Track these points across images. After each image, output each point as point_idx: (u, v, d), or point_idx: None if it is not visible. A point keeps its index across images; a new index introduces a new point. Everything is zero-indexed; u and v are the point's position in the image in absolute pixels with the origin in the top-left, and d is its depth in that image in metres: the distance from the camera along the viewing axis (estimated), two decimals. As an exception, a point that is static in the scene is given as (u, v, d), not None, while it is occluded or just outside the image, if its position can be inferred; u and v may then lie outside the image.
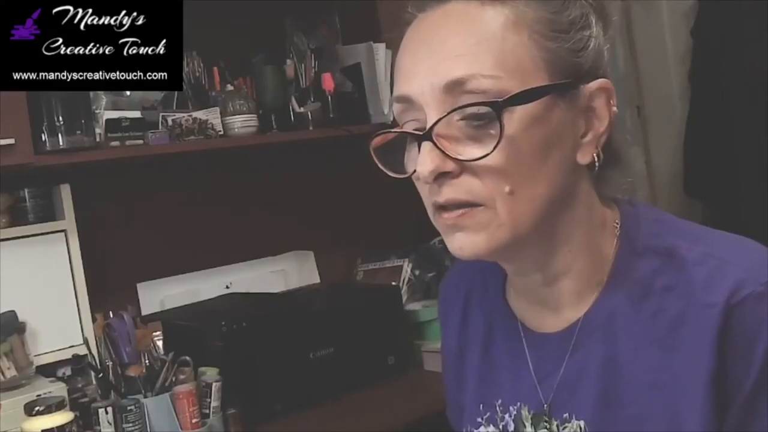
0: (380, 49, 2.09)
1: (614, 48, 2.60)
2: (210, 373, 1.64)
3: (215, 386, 1.62)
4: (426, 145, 0.69)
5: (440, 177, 0.69)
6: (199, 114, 1.88)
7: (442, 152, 0.68)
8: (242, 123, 1.91)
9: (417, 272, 2.15)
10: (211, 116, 1.89)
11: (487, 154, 0.67)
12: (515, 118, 0.67)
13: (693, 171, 2.51)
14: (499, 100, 0.67)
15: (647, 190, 2.77)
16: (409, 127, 0.72)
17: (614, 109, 0.73)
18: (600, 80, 0.72)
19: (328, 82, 2.05)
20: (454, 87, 0.68)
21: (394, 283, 2.12)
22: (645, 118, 2.75)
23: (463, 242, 0.71)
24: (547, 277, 0.77)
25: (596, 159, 0.72)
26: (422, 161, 0.68)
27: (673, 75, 2.63)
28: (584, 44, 0.71)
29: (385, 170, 0.73)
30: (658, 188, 2.76)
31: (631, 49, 2.73)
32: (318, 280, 2.26)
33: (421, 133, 0.69)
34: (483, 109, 0.67)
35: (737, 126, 2.29)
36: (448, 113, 0.68)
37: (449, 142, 0.69)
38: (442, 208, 0.71)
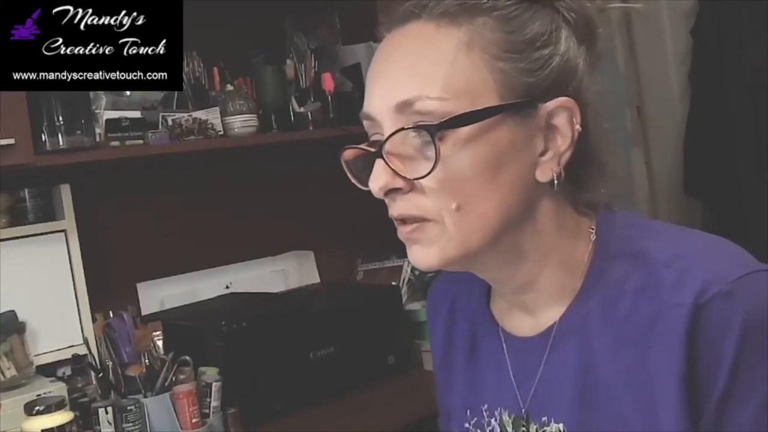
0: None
1: (614, 48, 2.61)
2: (210, 373, 1.64)
3: (215, 386, 1.62)
4: (378, 162, 0.71)
5: (391, 192, 0.72)
6: (199, 114, 1.88)
7: (392, 170, 0.71)
8: (242, 123, 1.92)
9: (417, 272, 2.15)
10: (211, 116, 1.89)
11: (426, 175, 0.69)
12: (454, 139, 0.69)
13: (693, 171, 2.51)
14: (433, 123, 0.68)
15: (647, 190, 2.77)
16: (374, 143, 0.74)
17: (577, 127, 0.72)
18: (560, 99, 0.72)
19: (328, 82, 2.05)
20: (404, 107, 0.70)
21: (394, 283, 2.12)
22: (645, 118, 2.75)
23: (417, 255, 0.74)
24: (516, 286, 0.79)
25: (556, 177, 0.72)
26: (373, 178, 0.72)
27: (673, 75, 2.63)
28: (543, 63, 0.71)
29: (354, 182, 0.76)
30: (658, 188, 2.76)
31: (631, 49, 2.73)
32: (318, 280, 2.26)
33: (374, 150, 0.72)
34: (423, 131, 0.69)
35: (737, 126, 2.29)
36: (391, 135, 0.70)
37: (402, 159, 0.71)
38: (400, 221, 0.74)
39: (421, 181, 0.70)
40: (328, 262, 2.28)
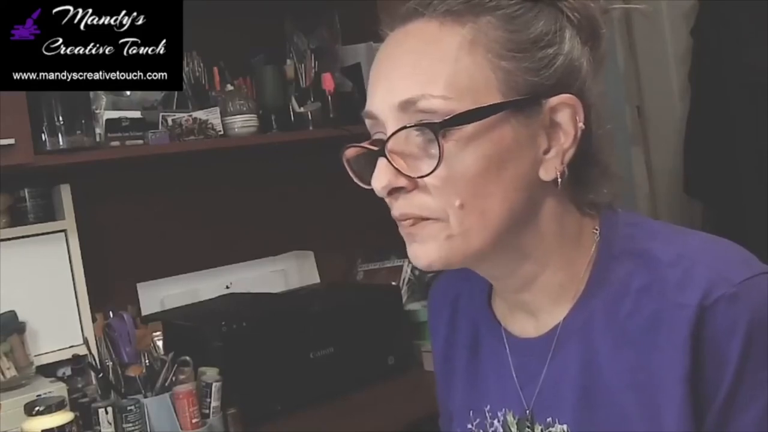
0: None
1: (614, 48, 2.61)
2: (210, 373, 1.64)
3: (215, 386, 1.62)
4: (381, 161, 0.71)
5: (394, 191, 0.71)
6: (199, 114, 1.88)
7: (395, 168, 0.70)
8: (242, 123, 1.92)
9: (417, 272, 2.15)
10: (211, 116, 1.89)
11: (430, 173, 0.69)
12: (457, 137, 0.69)
13: (693, 171, 2.51)
14: (436, 121, 0.68)
15: (647, 190, 2.77)
16: (377, 141, 0.74)
17: (581, 125, 0.72)
18: (562, 95, 0.72)
19: (328, 82, 2.05)
20: (407, 106, 0.70)
21: (394, 283, 2.12)
22: (645, 118, 2.75)
23: (417, 252, 0.73)
24: (518, 284, 0.78)
25: (559, 176, 0.72)
26: (376, 176, 0.71)
27: (673, 75, 2.63)
28: (547, 62, 0.71)
29: (356, 180, 0.76)
30: (658, 188, 2.76)
31: (631, 49, 2.73)
32: (318, 280, 2.26)
33: (376, 148, 0.72)
34: (426, 129, 0.69)
35: (737, 126, 2.29)
36: (394, 133, 0.70)
37: (405, 157, 0.71)
38: (400, 219, 0.73)
39: (425, 179, 0.70)
40: (328, 262, 2.28)
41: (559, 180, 0.72)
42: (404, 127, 0.70)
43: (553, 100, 0.71)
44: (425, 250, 0.73)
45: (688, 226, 0.81)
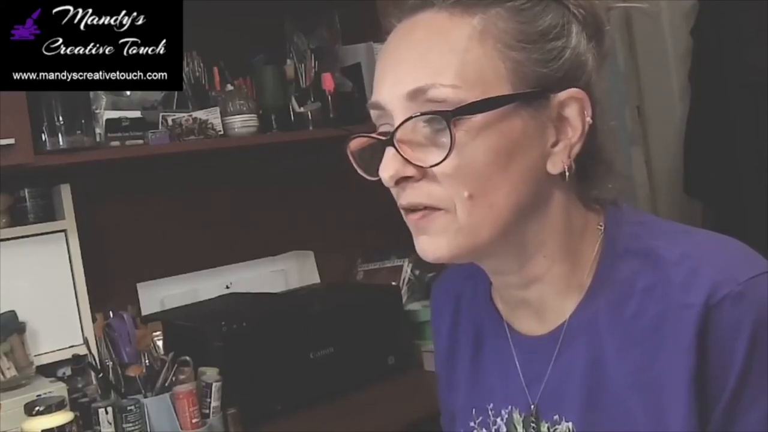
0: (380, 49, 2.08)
1: (614, 48, 2.61)
2: (210, 373, 1.64)
3: (215, 386, 1.62)
4: (389, 151, 0.71)
5: (402, 181, 0.71)
6: (199, 114, 1.88)
7: (403, 157, 0.70)
8: (242, 123, 1.92)
9: (417, 272, 2.14)
10: (211, 116, 1.89)
11: (441, 162, 0.69)
12: (468, 127, 0.69)
13: (693, 171, 2.51)
14: (449, 109, 0.68)
15: (647, 190, 2.77)
16: (384, 132, 0.74)
17: (588, 119, 0.73)
18: (571, 90, 0.72)
19: (328, 82, 2.05)
20: (417, 95, 0.70)
21: (394, 283, 2.12)
22: (645, 118, 2.75)
23: (426, 245, 0.73)
24: (524, 280, 0.78)
25: (566, 169, 0.72)
26: (384, 166, 0.71)
27: (673, 75, 2.63)
28: (556, 55, 0.72)
29: (361, 172, 0.76)
30: (658, 188, 2.76)
31: (631, 49, 2.73)
32: (318, 280, 2.26)
33: (384, 138, 0.71)
34: (437, 118, 0.69)
35: (737, 126, 2.29)
36: (403, 122, 0.70)
37: (413, 147, 0.71)
38: (408, 209, 0.73)
39: (434, 168, 0.70)
40: (328, 262, 2.28)
41: (567, 174, 0.73)
42: (414, 116, 0.70)
43: (562, 95, 0.72)
44: (434, 244, 0.72)
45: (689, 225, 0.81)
